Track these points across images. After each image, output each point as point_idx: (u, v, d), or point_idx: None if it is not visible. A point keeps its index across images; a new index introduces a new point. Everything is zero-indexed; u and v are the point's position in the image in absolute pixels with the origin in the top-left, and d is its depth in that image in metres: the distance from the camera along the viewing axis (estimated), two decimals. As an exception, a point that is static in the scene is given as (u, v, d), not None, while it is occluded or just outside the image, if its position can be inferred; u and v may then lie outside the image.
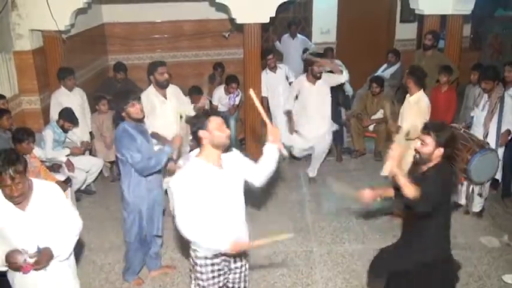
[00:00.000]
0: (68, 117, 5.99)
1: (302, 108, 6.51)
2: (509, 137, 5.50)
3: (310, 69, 6.29)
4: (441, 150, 3.22)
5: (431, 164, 3.29)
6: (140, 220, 4.40)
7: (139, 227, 4.42)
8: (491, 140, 5.41)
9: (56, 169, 6.00)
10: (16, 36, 6.46)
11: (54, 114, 6.30)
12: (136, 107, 4.14)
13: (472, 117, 5.88)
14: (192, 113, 5.66)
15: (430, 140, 3.21)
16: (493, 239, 5.37)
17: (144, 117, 4.34)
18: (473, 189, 5.68)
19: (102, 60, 8.97)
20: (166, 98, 5.40)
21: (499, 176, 5.90)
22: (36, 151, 5.60)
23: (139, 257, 4.63)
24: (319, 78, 6.28)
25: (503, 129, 5.48)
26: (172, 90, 5.53)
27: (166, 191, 5.84)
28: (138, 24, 9.25)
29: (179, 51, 9.50)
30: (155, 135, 5.16)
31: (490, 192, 6.04)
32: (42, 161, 5.70)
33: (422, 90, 5.46)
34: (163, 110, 5.39)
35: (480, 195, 5.65)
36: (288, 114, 6.62)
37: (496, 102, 5.46)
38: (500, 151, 5.58)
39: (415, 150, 3.33)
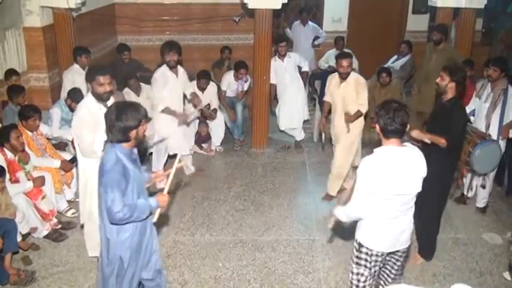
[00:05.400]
0: (75, 97, 5.93)
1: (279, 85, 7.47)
2: None
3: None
4: (453, 84, 4.35)
5: (447, 97, 4.42)
6: (120, 270, 3.47)
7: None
8: (493, 132, 5.38)
9: (62, 147, 6.01)
10: (26, 12, 6.45)
11: (66, 91, 6.19)
12: (145, 127, 3.38)
13: (473, 109, 5.83)
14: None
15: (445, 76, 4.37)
16: (496, 236, 5.37)
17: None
18: (471, 182, 5.74)
19: (112, 40, 8.92)
20: (177, 77, 6.05)
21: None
22: (43, 128, 5.62)
23: None
24: (284, 55, 7.31)
25: (505, 121, 5.42)
26: (182, 71, 6.17)
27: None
28: (149, 5, 9.15)
29: (188, 34, 9.36)
30: (167, 110, 5.92)
31: (494, 188, 6.04)
32: (48, 139, 5.72)
33: None
34: (174, 85, 6.01)
35: (483, 186, 5.65)
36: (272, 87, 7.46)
37: (499, 94, 5.42)
38: (504, 144, 5.54)
39: (436, 83, 4.49)
